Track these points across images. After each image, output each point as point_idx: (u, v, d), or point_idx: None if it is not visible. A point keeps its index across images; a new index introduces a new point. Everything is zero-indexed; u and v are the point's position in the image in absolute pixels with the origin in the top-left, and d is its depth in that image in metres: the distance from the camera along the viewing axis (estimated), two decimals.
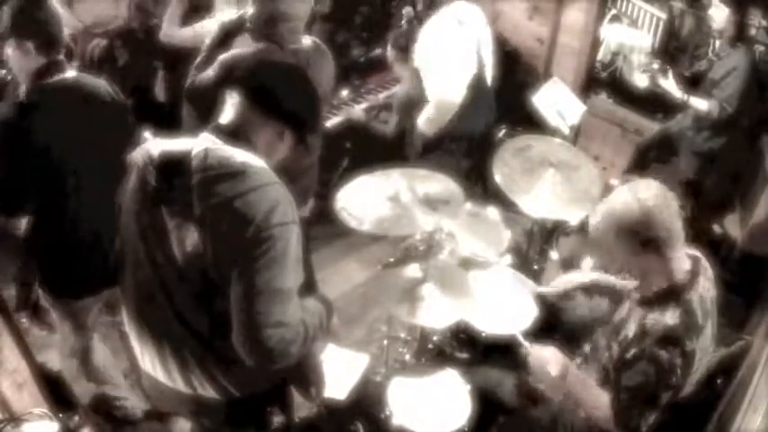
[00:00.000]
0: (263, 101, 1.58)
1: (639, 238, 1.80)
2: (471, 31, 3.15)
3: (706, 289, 1.90)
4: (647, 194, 1.80)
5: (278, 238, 1.48)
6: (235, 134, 1.57)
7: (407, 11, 3.41)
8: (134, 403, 2.68)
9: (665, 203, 1.80)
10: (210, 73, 2.39)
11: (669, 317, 1.81)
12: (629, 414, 1.86)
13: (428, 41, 3.12)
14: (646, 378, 1.81)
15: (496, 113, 3.51)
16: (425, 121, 3.21)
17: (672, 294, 1.85)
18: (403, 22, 3.38)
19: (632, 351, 1.84)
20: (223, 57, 2.43)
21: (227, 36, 2.54)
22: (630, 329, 1.90)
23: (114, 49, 3.72)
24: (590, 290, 2.41)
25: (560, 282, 2.45)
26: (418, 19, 3.22)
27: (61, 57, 2.09)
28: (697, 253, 1.96)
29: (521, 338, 2.21)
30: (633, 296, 2.01)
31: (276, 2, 2.37)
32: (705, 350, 1.90)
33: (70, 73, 2.12)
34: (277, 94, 1.59)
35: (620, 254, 1.88)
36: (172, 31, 3.16)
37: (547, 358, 2.01)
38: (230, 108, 1.60)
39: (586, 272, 2.49)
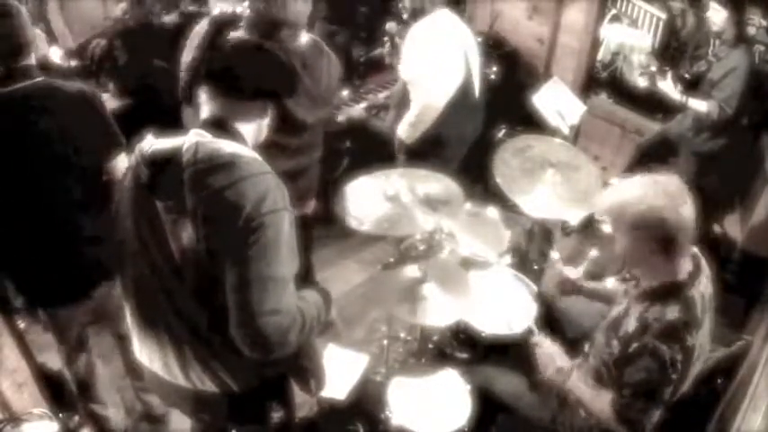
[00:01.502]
0: (226, 84, 1.61)
1: (653, 235, 1.78)
2: (457, 39, 3.13)
3: (705, 286, 1.91)
4: (670, 190, 1.77)
5: (269, 225, 1.49)
6: (219, 124, 1.60)
7: (390, 26, 3.38)
8: (117, 422, 2.68)
9: (685, 202, 1.78)
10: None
11: (670, 312, 1.81)
12: (631, 410, 1.86)
13: (411, 49, 3.09)
14: (648, 374, 1.81)
15: (482, 121, 3.49)
16: (405, 128, 3.19)
17: (673, 291, 1.85)
18: (385, 38, 3.36)
19: (634, 345, 1.85)
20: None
21: (219, 32, 2.53)
22: (630, 324, 1.91)
23: (114, 48, 3.72)
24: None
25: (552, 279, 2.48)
26: (401, 35, 3.19)
27: (27, 62, 2.07)
28: (696, 251, 1.96)
29: (534, 328, 2.25)
30: (631, 292, 2.01)
31: (274, 7, 2.36)
32: (703, 346, 1.91)
33: (37, 78, 2.08)
34: (236, 73, 1.62)
35: (627, 246, 1.85)
36: None
37: (553, 357, 2.12)
38: (207, 103, 1.63)
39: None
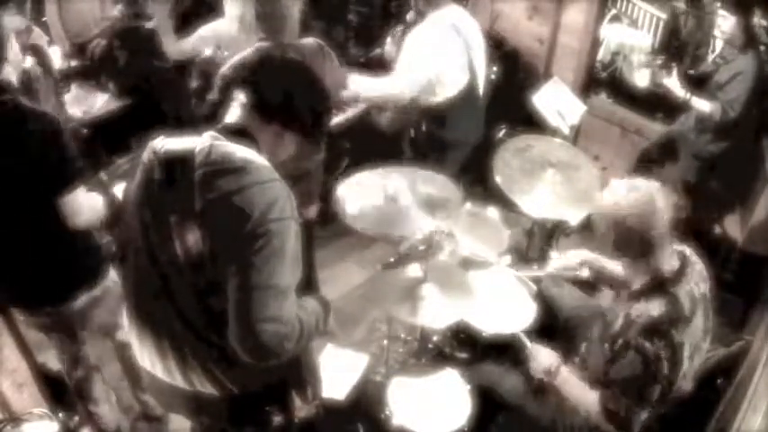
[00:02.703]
0: (268, 103, 1.60)
1: (626, 234, 1.82)
2: (465, 39, 3.12)
3: (695, 283, 1.91)
4: (634, 193, 1.83)
5: (275, 233, 1.48)
6: (240, 133, 1.59)
7: (411, 15, 3.41)
8: (109, 420, 2.68)
9: (653, 202, 1.82)
10: (215, 92, 2.39)
11: (654, 308, 1.82)
12: (618, 407, 1.86)
13: (416, 43, 3.07)
14: (632, 371, 1.81)
15: (484, 122, 3.49)
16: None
17: (658, 287, 1.86)
18: (401, 26, 3.38)
19: (619, 342, 1.86)
20: (222, 70, 2.41)
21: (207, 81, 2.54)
22: (617, 325, 1.92)
23: (114, 49, 3.72)
24: (593, 281, 2.44)
25: (567, 257, 2.47)
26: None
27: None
28: (686, 249, 1.97)
29: (523, 338, 2.24)
30: (621, 294, 2.03)
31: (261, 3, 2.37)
32: (696, 345, 1.91)
33: (4, 97, 1.93)
34: (269, 95, 1.61)
35: (612, 245, 1.90)
36: (168, 45, 3.12)
37: (542, 357, 2.12)
38: (236, 108, 1.63)
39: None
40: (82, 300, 2.25)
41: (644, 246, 1.83)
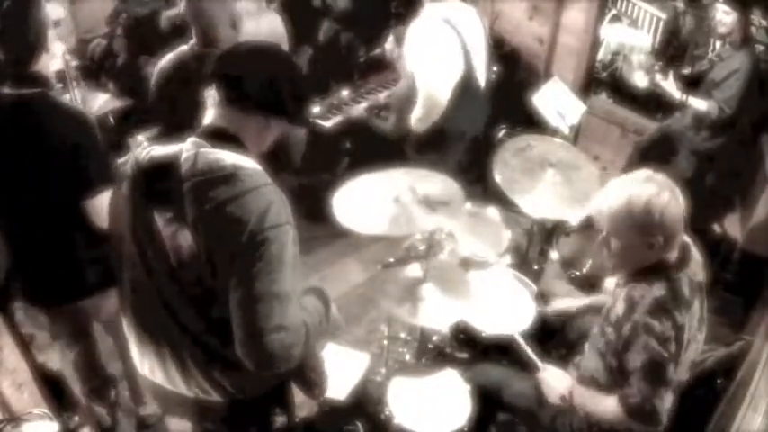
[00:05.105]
0: (239, 94, 1.53)
1: (646, 236, 1.79)
2: (458, 31, 3.14)
3: (693, 272, 1.91)
4: (665, 194, 1.79)
5: (272, 240, 1.45)
6: (221, 134, 1.53)
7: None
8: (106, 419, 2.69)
9: (677, 205, 1.80)
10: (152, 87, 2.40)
11: (656, 289, 1.82)
12: (642, 399, 1.82)
13: (413, 40, 3.12)
14: (649, 353, 1.78)
15: (488, 115, 3.50)
16: (415, 120, 3.23)
17: (657, 271, 1.86)
18: (401, 26, 3.40)
19: (626, 327, 1.84)
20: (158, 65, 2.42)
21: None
22: (620, 308, 1.91)
23: (114, 49, 3.73)
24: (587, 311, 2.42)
25: (558, 306, 2.49)
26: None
27: (36, 68, 1.90)
28: (686, 239, 1.96)
29: (533, 357, 2.22)
30: (618, 281, 2.02)
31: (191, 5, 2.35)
32: (693, 333, 1.90)
33: (39, 89, 1.92)
34: (248, 84, 1.54)
35: (623, 246, 1.86)
36: None
37: (556, 382, 2.09)
38: (211, 108, 1.57)
39: (580, 298, 2.53)
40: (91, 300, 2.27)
41: (660, 236, 1.79)
